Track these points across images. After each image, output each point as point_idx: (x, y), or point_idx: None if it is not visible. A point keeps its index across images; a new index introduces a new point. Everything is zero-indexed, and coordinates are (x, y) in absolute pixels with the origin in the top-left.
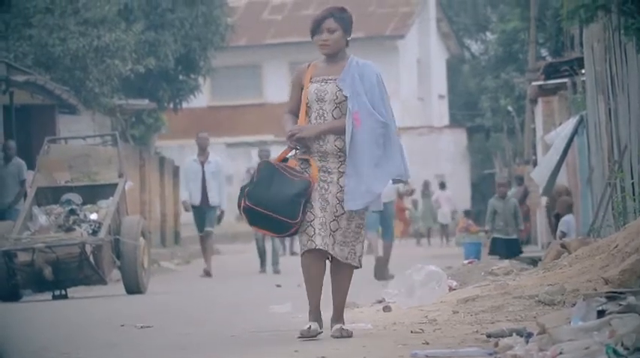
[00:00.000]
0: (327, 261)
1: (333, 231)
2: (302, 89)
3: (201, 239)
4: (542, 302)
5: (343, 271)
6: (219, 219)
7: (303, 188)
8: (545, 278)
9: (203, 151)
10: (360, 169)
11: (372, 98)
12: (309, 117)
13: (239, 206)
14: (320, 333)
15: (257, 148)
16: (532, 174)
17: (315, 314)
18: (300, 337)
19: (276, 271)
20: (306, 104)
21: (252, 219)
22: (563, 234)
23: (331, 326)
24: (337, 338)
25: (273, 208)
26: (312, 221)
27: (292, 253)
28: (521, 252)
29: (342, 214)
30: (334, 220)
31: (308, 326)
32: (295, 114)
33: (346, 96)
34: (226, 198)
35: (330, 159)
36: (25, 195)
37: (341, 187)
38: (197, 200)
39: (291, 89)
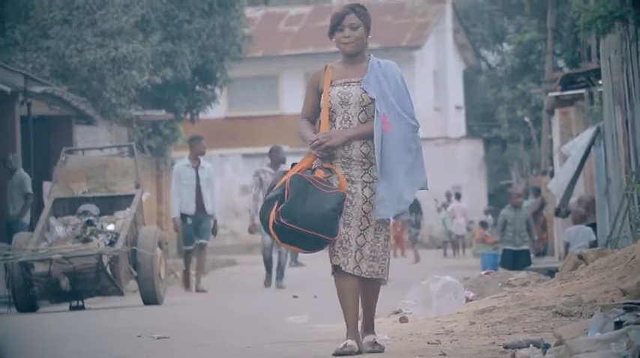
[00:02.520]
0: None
1: (361, 246)
2: (320, 93)
3: (188, 252)
4: (560, 313)
5: (373, 286)
6: (215, 230)
7: (338, 201)
8: (563, 290)
9: (196, 157)
10: (392, 176)
11: (400, 100)
12: (334, 122)
13: (264, 221)
14: (358, 353)
15: (268, 160)
16: (549, 185)
17: (353, 332)
18: (335, 354)
19: (280, 286)
20: (329, 109)
21: (282, 236)
22: (567, 245)
23: (362, 337)
24: (368, 352)
25: (311, 225)
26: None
27: (296, 263)
28: (529, 264)
29: (368, 227)
30: (360, 234)
31: (344, 343)
32: (312, 119)
33: (372, 99)
34: (217, 207)
35: (354, 167)
36: (27, 206)
37: (366, 198)
38: (191, 208)
39: (308, 93)
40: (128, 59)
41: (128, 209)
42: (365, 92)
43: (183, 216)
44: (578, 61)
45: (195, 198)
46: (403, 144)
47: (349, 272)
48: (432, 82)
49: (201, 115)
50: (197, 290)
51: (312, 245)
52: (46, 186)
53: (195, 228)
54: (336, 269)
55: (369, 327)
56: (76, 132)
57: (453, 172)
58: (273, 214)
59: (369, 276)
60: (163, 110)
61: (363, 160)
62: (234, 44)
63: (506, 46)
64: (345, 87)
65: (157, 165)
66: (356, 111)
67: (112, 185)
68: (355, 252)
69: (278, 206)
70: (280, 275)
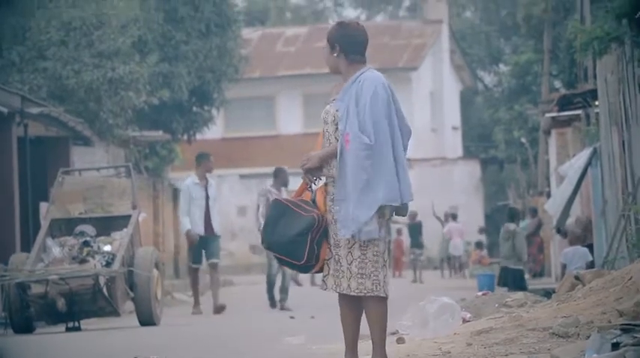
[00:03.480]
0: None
1: (349, 264)
2: None
3: (195, 271)
4: (557, 334)
5: (371, 304)
6: (254, 247)
7: (307, 225)
8: (560, 311)
9: (204, 175)
10: (346, 195)
11: (363, 118)
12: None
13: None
14: None
15: (272, 179)
16: (546, 206)
17: (349, 352)
18: None
19: (283, 308)
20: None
21: (277, 260)
22: (564, 267)
23: None
24: None
25: (280, 250)
26: (328, 259)
27: (297, 283)
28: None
29: (354, 244)
30: (348, 253)
31: None
32: None
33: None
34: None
35: None
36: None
37: None
38: (201, 229)
39: None
40: (125, 80)
41: (125, 230)
42: (337, 110)
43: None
44: (574, 81)
45: (204, 218)
46: (357, 163)
47: (343, 292)
48: (429, 103)
49: (198, 136)
50: (215, 310)
51: (298, 268)
52: (43, 206)
53: (205, 248)
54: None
55: (378, 354)
56: (73, 153)
57: (449, 193)
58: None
59: (360, 294)
60: (160, 131)
61: None
62: (231, 65)
63: (502, 67)
64: (330, 105)
65: (154, 186)
66: (332, 130)
67: (109, 206)
68: (346, 271)
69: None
70: (285, 296)
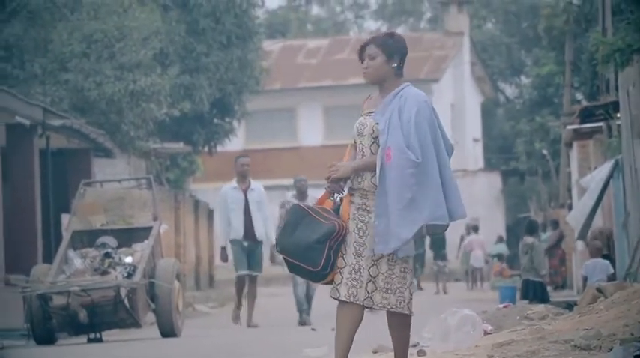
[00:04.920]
0: (364, 311)
1: (374, 278)
2: None
3: (240, 278)
4: (578, 346)
5: (397, 320)
6: (273, 257)
7: (326, 233)
8: (581, 323)
9: (244, 179)
10: (388, 211)
11: (407, 134)
12: (357, 153)
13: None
14: None
15: (293, 191)
16: (567, 218)
17: None
18: None
19: (303, 322)
20: (354, 140)
21: (288, 265)
22: (585, 279)
23: None
24: None
25: (295, 255)
26: (342, 268)
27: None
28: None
29: (381, 258)
30: (373, 265)
31: None
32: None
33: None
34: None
35: (370, 198)
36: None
37: None
38: (240, 233)
39: None
40: (146, 92)
41: (146, 241)
42: (377, 123)
43: (235, 241)
44: (596, 93)
45: (244, 223)
46: (401, 180)
47: (359, 303)
48: (450, 115)
49: (219, 148)
50: (248, 326)
51: (307, 275)
52: (65, 218)
53: (248, 255)
54: (339, 300)
55: None
56: (95, 165)
57: (470, 205)
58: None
59: (383, 308)
60: (181, 143)
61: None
62: (252, 77)
63: (524, 79)
64: (365, 117)
65: (175, 198)
66: (368, 143)
67: (130, 217)
68: (367, 282)
69: None
70: (307, 308)
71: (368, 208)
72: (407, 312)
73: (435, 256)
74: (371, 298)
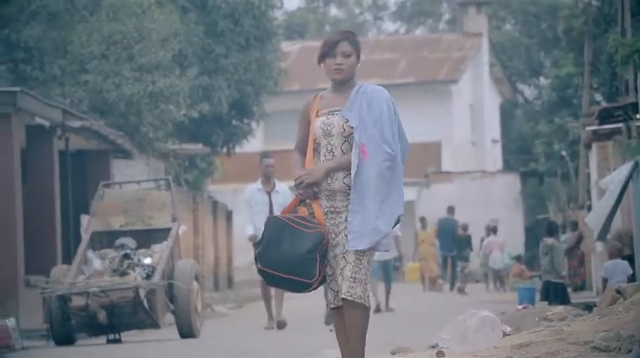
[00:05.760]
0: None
1: (342, 269)
2: (309, 124)
3: (264, 283)
4: (598, 348)
5: (356, 311)
6: None
7: (316, 242)
8: (601, 324)
9: (269, 180)
10: (367, 206)
11: (381, 128)
12: (319, 154)
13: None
14: None
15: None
16: (586, 220)
17: None
18: None
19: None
20: (314, 141)
21: (268, 280)
22: (605, 280)
23: None
24: None
25: (287, 269)
26: (333, 275)
27: None
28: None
29: (349, 250)
30: (343, 257)
31: None
32: (304, 152)
33: (353, 128)
34: None
35: (339, 198)
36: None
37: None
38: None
39: (299, 125)
40: (165, 93)
41: (165, 242)
42: (346, 121)
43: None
44: (615, 94)
45: None
46: (378, 173)
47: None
48: (469, 116)
49: (237, 149)
50: (277, 323)
51: (298, 287)
52: (84, 219)
53: None
54: (336, 310)
55: None
56: (114, 166)
57: (489, 206)
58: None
59: (350, 298)
60: (200, 144)
61: (347, 191)
62: (270, 78)
63: (542, 80)
64: (329, 117)
65: (194, 199)
66: (339, 142)
67: (149, 218)
68: (338, 275)
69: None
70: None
71: (337, 210)
72: (368, 305)
73: (457, 256)
74: (340, 290)
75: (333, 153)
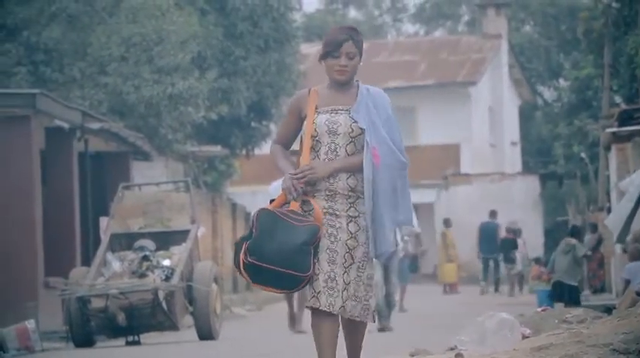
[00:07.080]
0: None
1: (346, 285)
2: (302, 119)
3: None
4: (617, 350)
5: (359, 329)
6: None
7: (311, 234)
8: (620, 327)
9: None
10: (381, 213)
11: (390, 131)
12: (318, 152)
13: (237, 263)
14: None
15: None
16: (606, 222)
17: None
18: None
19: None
20: (313, 137)
21: (254, 276)
22: (627, 282)
23: None
24: None
25: (281, 262)
26: (317, 275)
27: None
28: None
29: (352, 265)
30: (345, 272)
31: None
32: (286, 146)
33: (362, 129)
34: None
35: (339, 201)
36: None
37: (351, 233)
38: None
39: (287, 118)
40: (184, 95)
41: (184, 244)
42: (355, 122)
43: None
44: (635, 96)
45: None
46: (390, 182)
47: (335, 312)
48: (488, 118)
49: (256, 151)
50: (297, 331)
51: (287, 283)
52: (103, 221)
53: None
54: (315, 311)
55: None
56: (133, 168)
57: (508, 208)
58: (242, 254)
59: (351, 317)
60: (219, 146)
61: (349, 193)
62: (289, 80)
63: (562, 82)
64: (333, 115)
65: (213, 201)
66: (344, 142)
67: (168, 220)
68: (342, 291)
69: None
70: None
71: (337, 212)
72: (371, 321)
73: (504, 259)
74: (344, 307)
75: (337, 152)
